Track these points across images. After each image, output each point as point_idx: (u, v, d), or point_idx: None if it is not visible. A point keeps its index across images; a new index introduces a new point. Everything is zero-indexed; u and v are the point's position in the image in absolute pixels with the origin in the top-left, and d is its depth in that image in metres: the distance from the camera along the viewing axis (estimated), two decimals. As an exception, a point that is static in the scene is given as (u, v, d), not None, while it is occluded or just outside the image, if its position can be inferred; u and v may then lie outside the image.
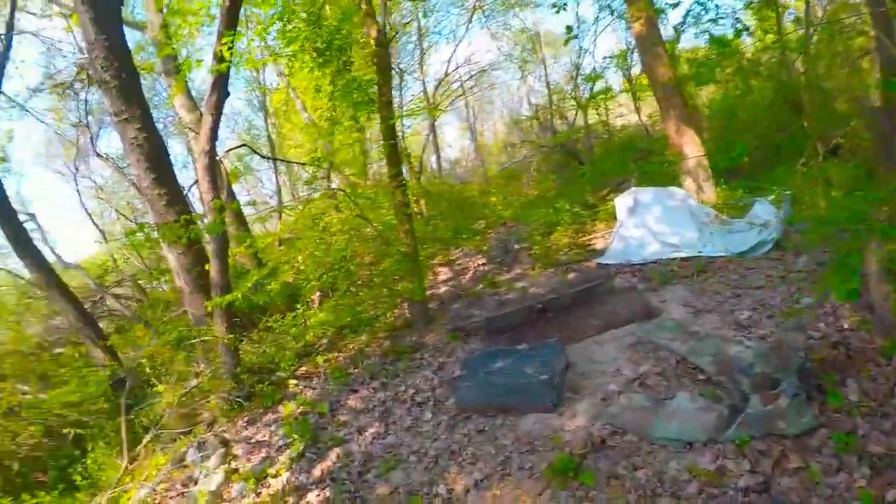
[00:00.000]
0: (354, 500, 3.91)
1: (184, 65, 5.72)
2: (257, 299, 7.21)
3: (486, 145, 26.40)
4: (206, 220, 5.99)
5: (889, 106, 6.35)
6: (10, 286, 12.80)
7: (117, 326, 11.88)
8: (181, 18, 5.22)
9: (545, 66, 18.80)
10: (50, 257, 10.37)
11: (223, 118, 5.63)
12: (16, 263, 10.51)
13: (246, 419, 5.60)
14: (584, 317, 5.54)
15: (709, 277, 5.98)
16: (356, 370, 6.03)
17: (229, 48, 4.96)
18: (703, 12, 8.92)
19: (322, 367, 6.35)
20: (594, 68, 15.89)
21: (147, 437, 5.37)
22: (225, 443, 5.10)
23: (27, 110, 11.49)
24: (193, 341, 6.72)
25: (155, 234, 4.86)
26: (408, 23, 15.38)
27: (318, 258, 6.08)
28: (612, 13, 13.18)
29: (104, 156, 14.16)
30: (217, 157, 5.91)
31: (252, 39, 6.33)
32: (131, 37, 10.24)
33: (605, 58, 14.84)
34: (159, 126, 8.51)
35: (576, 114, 17.23)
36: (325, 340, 7.22)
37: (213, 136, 5.59)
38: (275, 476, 4.46)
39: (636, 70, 15.08)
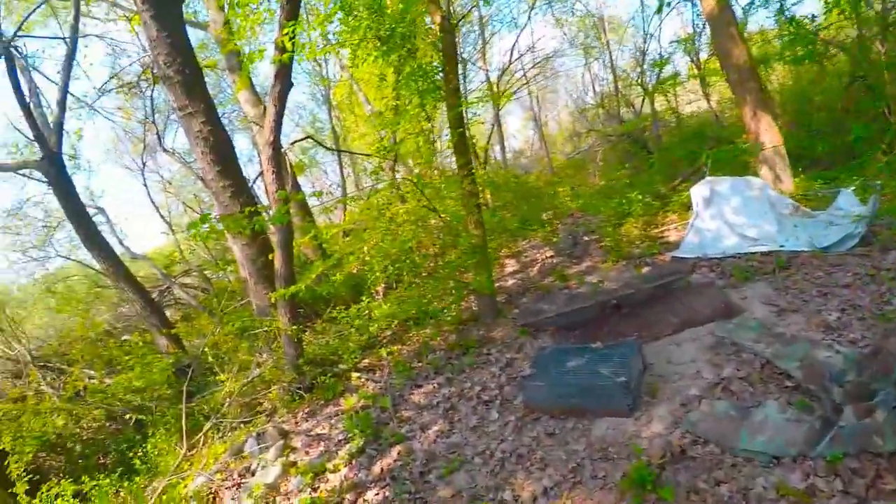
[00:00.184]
0: (415, 501, 3.75)
1: (247, 57, 5.78)
2: (321, 290, 7.24)
3: (551, 135, 25.85)
4: (270, 212, 6.03)
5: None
6: (80, 276, 13.62)
7: (183, 315, 12.42)
8: (241, 13, 5.22)
9: (610, 53, 18.04)
10: (118, 249, 10.86)
11: (287, 112, 5.65)
12: (86, 255, 11.08)
13: (306, 411, 5.58)
14: (660, 314, 5.16)
15: (792, 274, 5.55)
16: (420, 364, 5.91)
17: (291, 38, 4.94)
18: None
19: (385, 359, 6.24)
20: (660, 53, 15.29)
21: (207, 426, 5.43)
22: (284, 434, 5.08)
23: (96, 110, 12.11)
24: (257, 331, 6.83)
25: (219, 226, 4.92)
26: (469, 11, 15.17)
27: (383, 249, 6.00)
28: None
29: (171, 151, 14.82)
30: (281, 149, 5.93)
31: (313, 28, 6.30)
32: (195, 36, 10.61)
33: (671, 42, 14.18)
34: (224, 121, 8.72)
35: (642, 101, 16.69)
36: (388, 333, 7.13)
37: (278, 127, 5.60)
38: (333, 471, 4.35)
39: (704, 55, 14.41)
